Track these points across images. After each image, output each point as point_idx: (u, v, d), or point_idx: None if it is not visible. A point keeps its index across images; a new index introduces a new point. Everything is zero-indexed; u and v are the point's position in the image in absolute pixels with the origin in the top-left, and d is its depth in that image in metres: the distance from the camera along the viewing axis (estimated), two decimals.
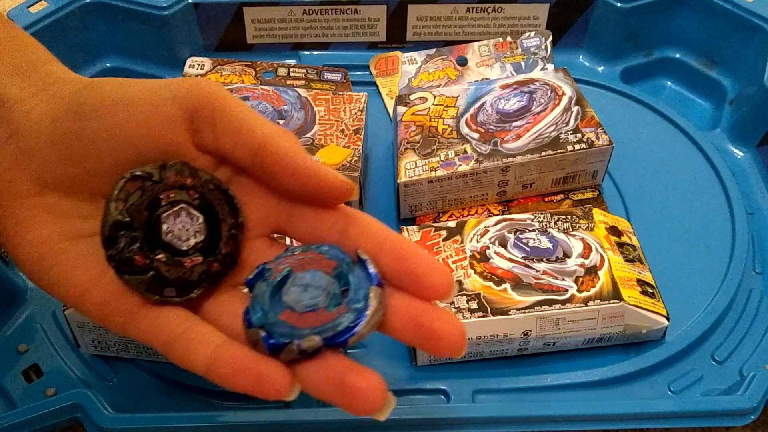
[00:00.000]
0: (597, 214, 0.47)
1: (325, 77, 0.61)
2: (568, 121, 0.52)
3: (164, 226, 0.30)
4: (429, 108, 0.54)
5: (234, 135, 0.30)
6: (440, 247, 0.46)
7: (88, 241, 0.31)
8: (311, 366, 0.28)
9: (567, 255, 0.45)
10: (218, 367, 0.28)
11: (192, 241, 0.30)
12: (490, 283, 0.43)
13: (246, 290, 0.31)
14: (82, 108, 0.30)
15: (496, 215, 0.49)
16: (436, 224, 0.47)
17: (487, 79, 0.62)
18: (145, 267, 0.29)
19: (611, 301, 0.42)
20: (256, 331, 0.28)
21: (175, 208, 0.30)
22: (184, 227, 0.30)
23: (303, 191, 0.30)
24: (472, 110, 0.54)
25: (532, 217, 0.47)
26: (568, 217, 0.47)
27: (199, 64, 0.61)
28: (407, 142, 0.52)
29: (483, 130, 0.52)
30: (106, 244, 0.29)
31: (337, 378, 0.27)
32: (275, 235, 0.33)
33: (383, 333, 0.29)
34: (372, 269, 0.28)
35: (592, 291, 0.43)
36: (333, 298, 0.29)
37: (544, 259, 0.44)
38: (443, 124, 0.53)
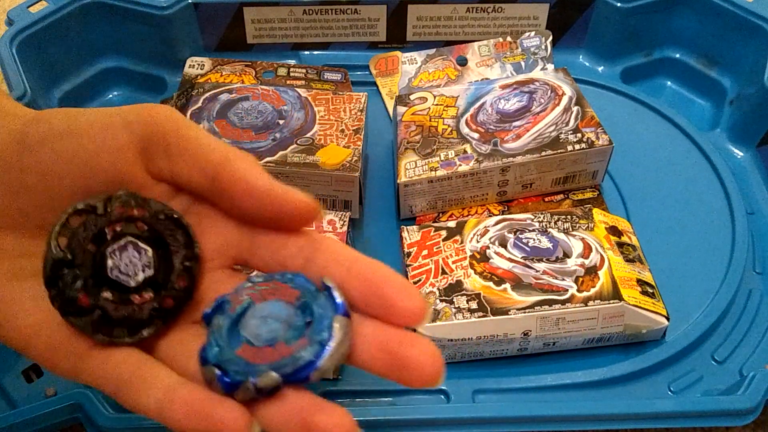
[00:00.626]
0: (597, 214, 0.47)
1: (325, 77, 0.61)
2: (568, 121, 0.52)
3: (109, 262, 0.28)
4: (429, 108, 0.54)
5: (189, 160, 0.29)
6: (440, 247, 0.46)
7: (34, 282, 0.29)
8: (271, 405, 0.26)
9: (567, 255, 0.45)
10: (170, 410, 0.26)
11: (140, 277, 0.29)
12: (490, 283, 0.43)
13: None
14: (27, 139, 0.29)
15: (496, 215, 0.49)
16: (436, 224, 0.47)
17: (487, 79, 0.62)
18: (91, 307, 0.28)
19: (611, 301, 0.42)
20: (210, 368, 0.26)
21: (121, 242, 0.28)
22: (131, 262, 0.29)
23: (265, 214, 0.28)
24: (472, 110, 0.54)
25: (532, 217, 0.47)
26: (568, 217, 0.47)
27: (199, 64, 0.61)
28: (407, 142, 0.52)
29: (483, 130, 0.52)
30: (48, 284, 0.28)
31: (300, 417, 0.25)
32: (238, 267, 0.31)
33: (352, 365, 0.27)
34: (338, 297, 0.26)
35: (592, 291, 0.43)
36: (295, 330, 0.27)
37: (544, 259, 0.44)
38: (443, 124, 0.53)
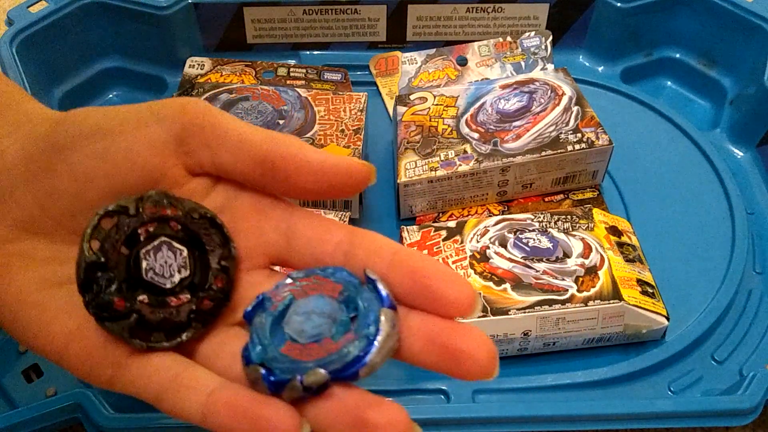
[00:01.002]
0: (597, 214, 0.47)
1: (325, 77, 0.61)
2: (568, 121, 0.52)
3: (144, 264, 0.27)
4: (429, 108, 0.54)
5: (234, 148, 0.28)
6: (440, 247, 0.46)
7: (68, 288, 0.28)
8: (320, 403, 0.25)
9: (567, 255, 0.45)
10: (215, 415, 0.25)
11: (177, 278, 0.28)
12: (490, 283, 0.43)
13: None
14: (57, 142, 0.29)
15: (496, 215, 0.49)
16: (436, 224, 0.47)
17: (487, 79, 0.62)
18: (127, 311, 0.27)
19: (611, 301, 0.42)
20: (255, 368, 0.25)
21: (155, 243, 0.28)
22: (166, 263, 0.28)
23: (323, 187, 0.28)
24: (472, 110, 0.54)
25: (532, 217, 0.47)
26: (568, 217, 0.47)
27: (199, 64, 0.61)
28: (407, 142, 0.52)
29: (483, 130, 0.52)
30: (82, 288, 0.27)
31: (352, 415, 0.24)
32: (276, 268, 0.30)
33: (402, 360, 0.26)
34: (383, 290, 0.26)
35: (592, 291, 0.43)
36: (340, 326, 0.26)
37: (544, 259, 0.44)
38: (443, 124, 0.53)
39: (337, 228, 0.28)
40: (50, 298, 0.28)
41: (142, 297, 0.27)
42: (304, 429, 0.24)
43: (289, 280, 0.28)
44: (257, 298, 0.27)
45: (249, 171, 0.28)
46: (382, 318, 0.25)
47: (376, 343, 0.25)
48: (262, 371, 0.25)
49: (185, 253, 0.28)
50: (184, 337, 0.28)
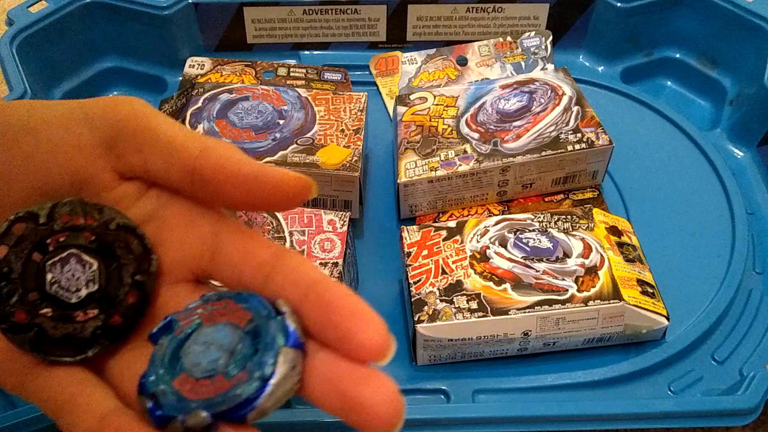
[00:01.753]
0: (597, 214, 0.47)
1: (325, 77, 0.61)
2: (568, 121, 0.52)
3: (49, 276, 0.26)
4: (429, 108, 0.54)
5: (164, 153, 0.27)
6: (440, 247, 0.46)
7: None
8: None
9: (567, 255, 0.45)
10: None
11: (83, 292, 0.26)
12: (490, 283, 0.43)
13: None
14: None
15: (496, 215, 0.49)
16: (436, 224, 0.47)
17: (487, 79, 0.62)
18: (27, 324, 0.26)
19: (611, 301, 0.42)
20: (143, 399, 0.24)
21: (63, 255, 0.26)
22: (73, 276, 0.26)
23: (253, 199, 0.26)
24: (472, 110, 0.54)
25: (532, 217, 0.47)
26: (568, 217, 0.47)
27: (199, 64, 0.61)
28: (407, 142, 0.52)
29: (483, 130, 0.52)
30: None
31: None
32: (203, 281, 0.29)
33: (305, 399, 0.24)
34: (290, 325, 0.24)
35: (592, 291, 0.43)
36: (238, 361, 0.24)
37: (544, 259, 0.44)
38: (443, 124, 0.53)
39: (263, 248, 0.26)
40: None
41: (46, 310, 0.26)
42: None
43: (200, 302, 0.26)
44: (165, 319, 0.26)
45: (179, 179, 0.27)
46: (281, 358, 0.23)
47: (269, 386, 0.23)
48: (149, 404, 0.24)
49: (95, 266, 0.27)
50: (89, 353, 0.27)
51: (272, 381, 0.23)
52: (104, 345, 0.27)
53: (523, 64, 0.63)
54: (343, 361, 0.23)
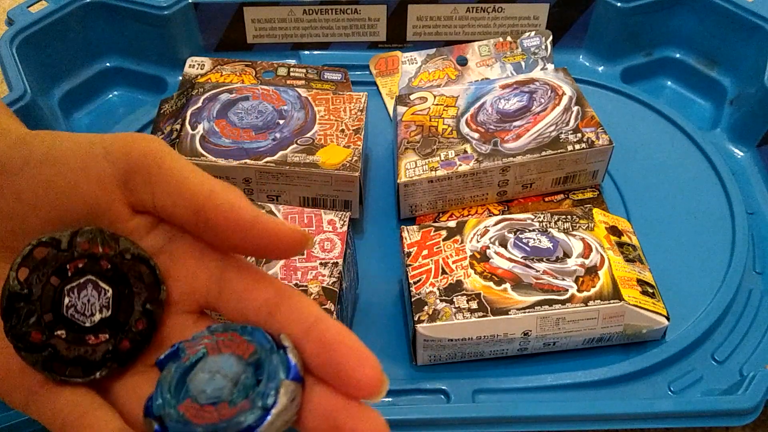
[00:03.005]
0: (597, 214, 0.47)
1: (325, 77, 0.61)
2: (568, 120, 0.52)
3: (66, 300, 0.28)
4: (429, 108, 0.54)
5: (173, 193, 0.28)
6: (440, 247, 0.46)
7: None
8: None
9: (567, 255, 0.45)
10: None
11: (97, 317, 0.28)
12: (491, 283, 0.43)
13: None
14: (9, 163, 0.29)
15: (496, 215, 0.49)
16: (436, 224, 0.47)
17: (487, 79, 0.62)
18: (42, 344, 0.27)
19: (611, 301, 0.42)
20: (150, 421, 0.25)
21: (81, 280, 0.28)
22: (89, 301, 0.28)
23: (251, 246, 0.28)
24: (472, 110, 0.54)
25: (532, 217, 0.47)
26: (568, 217, 0.47)
27: (199, 64, 0.61)
28: (407, 142, 0.52)
29: (483, 130, 0.52)
30: (3, 316, 0.27)
31: None
32: (208, 312, 0.31)
33: (299, 431, 0.26)
34: (292, 359, 0.25)
35: (592, 291, 0.43)
36: (241, 390, 0.25)
37: (544, 259, 0.44)
38: (443, 124, 0.53)
39: (267, 285, 0.28)
40: None
41: (61, 332, 0.28)
42: None
43: (206, 333, 0.27)
44: (173, 347, 0.27)
45: (185, 218, 0.28)
46: (282, 390, 0.25)
47: (270, 415, 0.24)
48: (156, 427, 0.25)
49: (110, 293, 0.28)
50: (98, 375, 0.28)
51: (273, 411, 0.24)
52: (112, 368, 0.28)
53: (523, 64, 0.63)
54: (339, 397, 0.25)
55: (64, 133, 0.30)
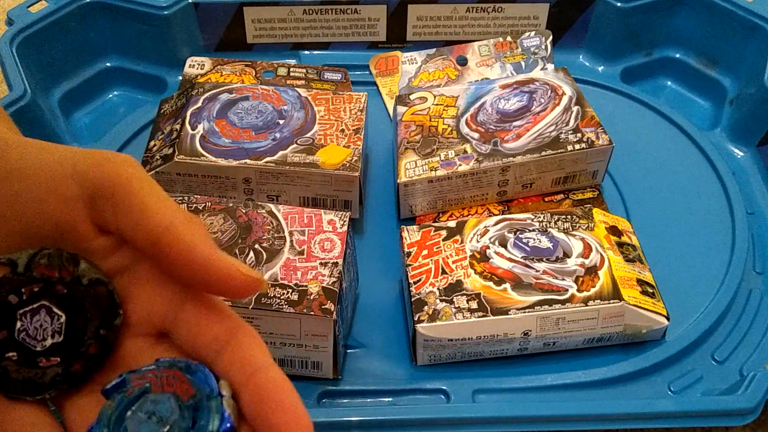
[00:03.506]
0: (597, 214, 0.47)
1: (325, 77, 0.61)
2: (568, 120, 0.52)
3: (18, 324, 0.28)
4: (429, 108, 0.54)
5: (134, 219, 0.28)
6: (440, 247, 0.46)
7: None
8: None
9: (567, 255, 0.45)
10: None
11: (48, 342, 0.28)
12: (490, 283, 0.43)
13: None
14: None
15: (496, 215, 0.49)
16: (436, 224, 0.47)
17: (487, 79, 0.62)
18: None
19: (611, 301, 0.42)
20: None
21: (34, 305, 0.28)
22: (41, 326, 0.28)
23: (202, 284, 0.28)
24: (472, 110, 0.54)
25: (532, 217, 0.47)
26: (568, 217, 0.47)
27: (199, 64, 0.61)
28: (407, 142, 0.52)
29: (483, 130, 0.52)
30: None
31: None
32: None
33: None
34: (226, 410, 0.26)
35: (592, 291, 0.43)
36: None
37: (544, 259, 0.44)
38: (443, 124, 0.53)
39: (221, 321, 0.28)
40: None
41: (11, 354, 0.28)
42: None
43: (153, 366, 0.28)
44: (119, 377, 0.27)
45: (143, 246, 0.28)
46: None
47: None
48: None
49: (63, 319, 0.28)
50: (47, 395, 0.28)
51: None
52: (62, 389, 0.28)
53: (523, 63, 0.63)
54: None
55: (35, 145, 0.30)
